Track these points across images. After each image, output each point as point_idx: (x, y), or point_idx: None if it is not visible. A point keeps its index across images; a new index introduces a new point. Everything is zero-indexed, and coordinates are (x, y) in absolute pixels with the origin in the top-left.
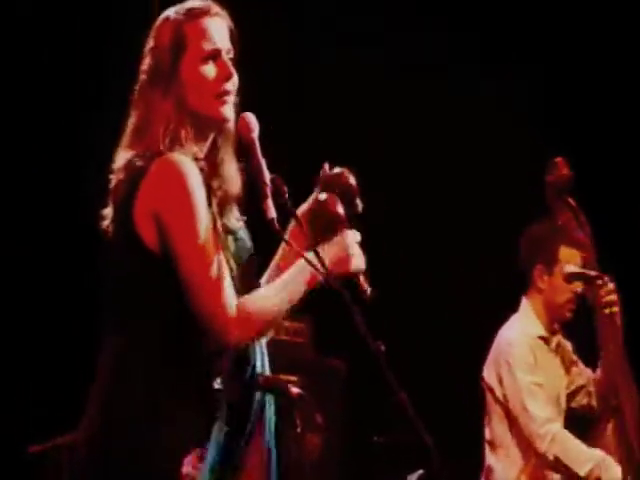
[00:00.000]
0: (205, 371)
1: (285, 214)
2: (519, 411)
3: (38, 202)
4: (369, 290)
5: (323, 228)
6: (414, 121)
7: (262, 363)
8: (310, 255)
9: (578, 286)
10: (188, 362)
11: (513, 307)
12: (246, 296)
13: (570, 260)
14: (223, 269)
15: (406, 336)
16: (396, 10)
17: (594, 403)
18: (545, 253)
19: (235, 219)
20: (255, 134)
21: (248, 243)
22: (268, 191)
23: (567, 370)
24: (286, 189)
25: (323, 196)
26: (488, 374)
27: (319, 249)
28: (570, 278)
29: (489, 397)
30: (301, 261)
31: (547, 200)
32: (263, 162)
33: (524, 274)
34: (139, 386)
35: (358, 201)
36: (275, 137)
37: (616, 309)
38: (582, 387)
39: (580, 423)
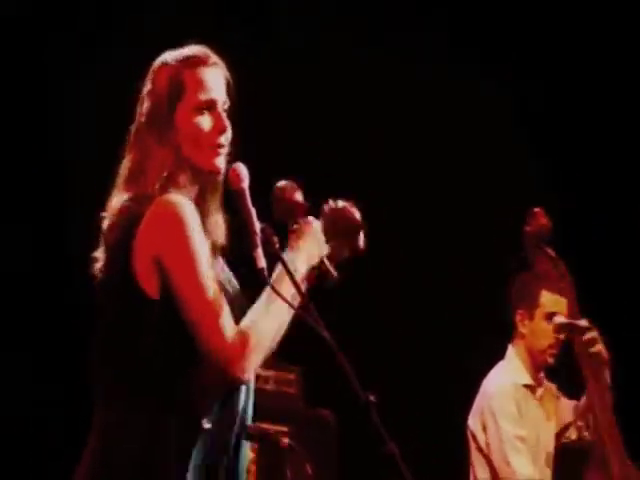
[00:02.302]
0: (197, 415)
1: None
2: (501, 464)
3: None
4: (335, 274)
5: (285, 217)
6: (414, 122)
7: (245, 406)
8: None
9: (547, 329)
10: (184, 407)
11: (499, 354)
12: (242, 325)
13: (552, 306)
14: (225, 306)
15: (394, 384)
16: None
17: (585, 433)
18: (526, 298)
19: (220, 270)
20: (245, 184)
21: (236, 291)
22: (258, 240)
23: (551, 417)
24: (276, 239)
25: (282, 184)
26: (473, 422)
27: (292, 256)
28: (560, 329)
29: (473, 445)
30: (279, 273)
31: (526, 250)
32: (253, 212)
33: (509, 323)
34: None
35: (361, 237)
36: (275, 137)
37: (598, 347)
38: (570, 423)
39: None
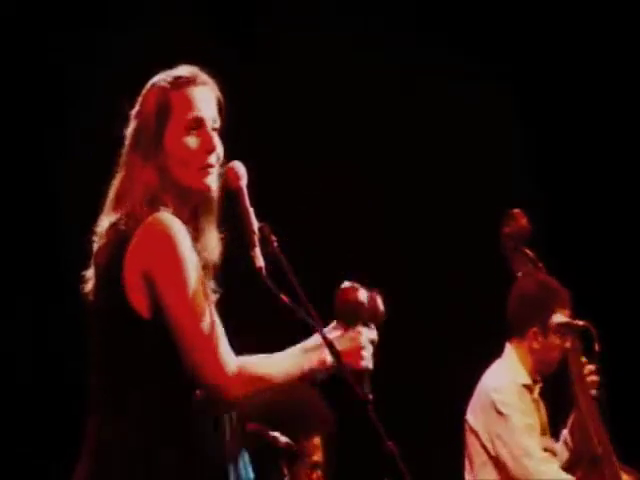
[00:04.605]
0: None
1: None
2: (515, 450)
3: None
4: (370, 396)
5: (344, 316)
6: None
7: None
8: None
9: (565, 340)
10: (181, 423)
11: (495, 352)
12: (250, 358)
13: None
14: (218, 327)
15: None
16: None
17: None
18: (541, 316)
19: (211, 290)
20: (243, 182)
21: None
22: (256, 240)
23: (542, 430)
24: (274, 237)
25: (346, 284)
26: (474, 419)
27: (334, 338)
28: (559, 329)
29: (473, 441)
30: (315, 341)
31: (505, 252)
32: (251, 211)
33: (511, 324)
34: (135, 450)
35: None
36: (273, 137)
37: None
38: (545, 451)
39: None
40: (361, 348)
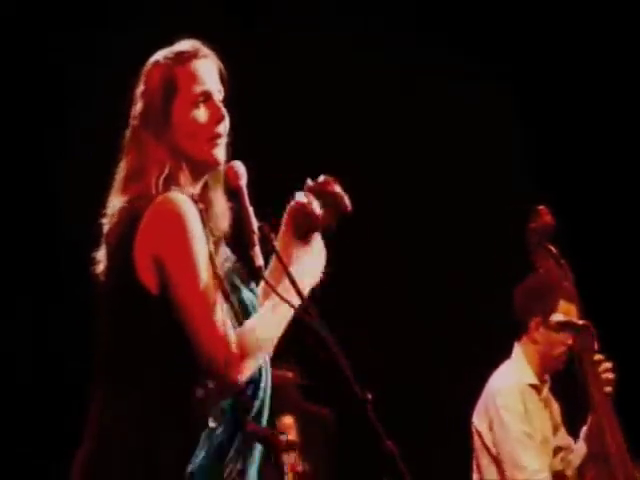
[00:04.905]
0: (201, 413)
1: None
2: (508, 459)
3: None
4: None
5: (302, 229)
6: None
7: (266, 386)
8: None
9: (567, 336)
10: (188, 405)
11: (505, 353)
12: (239, 330)
13: (567, 314)
14: (223, 309)
15: (396, 382)
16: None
17: (569, 472)
18: (543, 306)
19: (223, 259)
20: (243, 182)
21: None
22: (256, 239)
23: (554, 428)
24: (274, 236)
25: (300, 195)
26: (478, 420)
27: (298, 269)
28: (558, 327)
29: (478, 442)
30: (284, 283)
31: (529, 247)
32: (251, 210)
33: (518, 322)
34: (136, 434)
35: (346, 203)
36: (273, 137)
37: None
38: (560, 449)
39: None
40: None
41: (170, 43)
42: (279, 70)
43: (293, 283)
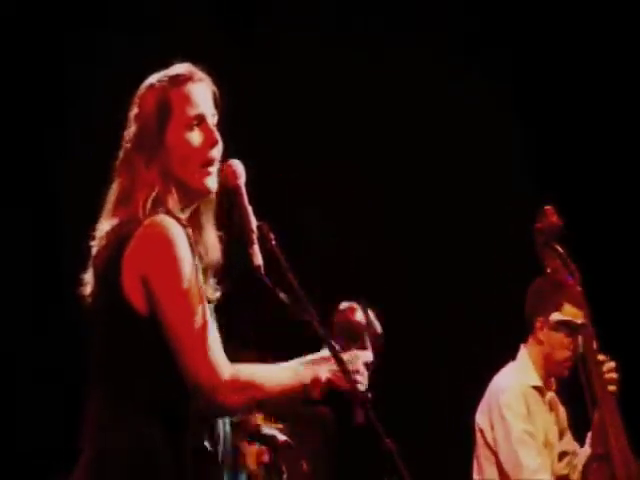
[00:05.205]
0: (193, 432)
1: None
2: (509, 457)
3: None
4: (363, 419)
5: (343, 336)
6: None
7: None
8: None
9: (567, 337)
10: (178, 425)
11: (509, 354)
12: (245, 366)
13: (572, 317)
14: (212, 332)
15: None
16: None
17: (575, 477)
18: (548, 306)
19: (213, 289)
20: (241, 181)
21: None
22: (254, 238)
23: (560, 433)
24: (272, 235)
25: (344, 305)
26: (482, 419)
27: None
28: (556, 326)
29: (480, 440)
30: (312, 357)
31: (536, 247)
32: (249, 209)
33: (527, 324)
34: (127, 453)
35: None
36: (273, 136)
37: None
38: (566, 454)
39: None
40: (357, 370)
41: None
42: (279, 70)
43: (293, 284)
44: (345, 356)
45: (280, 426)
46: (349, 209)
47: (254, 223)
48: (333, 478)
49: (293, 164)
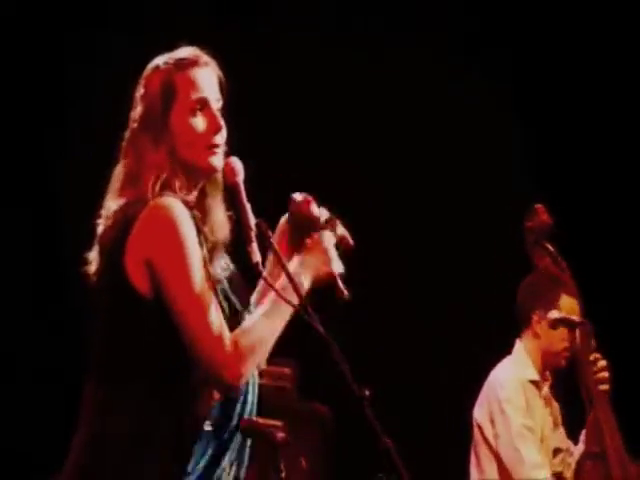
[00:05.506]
0: (196, 414)
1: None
2: (509, 452)
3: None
4: (346, 293)
5: (300, 231)
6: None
7: (253, 400)
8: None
9: (565, 333)
10: (180, 407)
11: (504, 349)
12: (237, 331)
13: (570, 309)
14: (218, 311)
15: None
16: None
17: (568, 475)
18: (545, 299)
19: (221, 268)
20: (240, 178)
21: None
22: (253, 235)
23: (554, 425)
24: (271, 233)
25: (298, 197)
26: (480, 414)
27: (297, 266)
28: (555, 324)
29: (478, 435)
30: (282, 282)
31: (526, 246)
32: (248, 206)
33: (519, 318)
34: (128, 437)
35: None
36: (273, 136)
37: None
38: (560, 450)
39: None
40: (325, 253)
41: (170, 43)
42: (279, 70)
43: (291, 280)
44: (309, 243)
45: (278, 423)
46: (349, 209)
47: (252, 221)
48: (331, 475)
49: (293, 163)
